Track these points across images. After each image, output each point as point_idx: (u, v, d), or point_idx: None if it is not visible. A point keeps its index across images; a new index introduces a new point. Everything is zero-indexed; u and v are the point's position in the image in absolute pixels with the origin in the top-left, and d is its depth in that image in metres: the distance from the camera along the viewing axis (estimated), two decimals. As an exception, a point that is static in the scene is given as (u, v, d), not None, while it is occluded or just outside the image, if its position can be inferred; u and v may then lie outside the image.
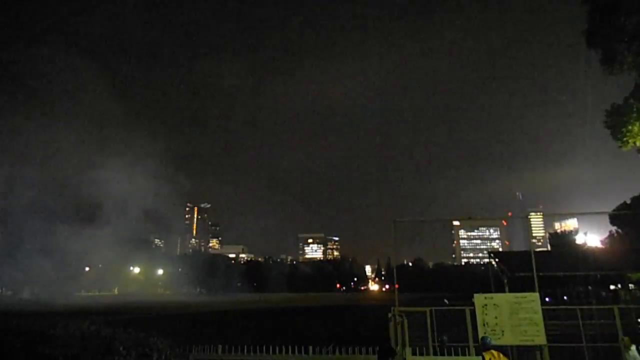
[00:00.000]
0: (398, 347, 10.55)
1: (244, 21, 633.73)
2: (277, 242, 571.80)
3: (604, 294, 35.51)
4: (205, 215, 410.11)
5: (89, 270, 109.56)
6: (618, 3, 11.89)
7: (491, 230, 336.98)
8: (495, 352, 8.53)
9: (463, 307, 10.76)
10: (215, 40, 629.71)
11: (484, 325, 9.69)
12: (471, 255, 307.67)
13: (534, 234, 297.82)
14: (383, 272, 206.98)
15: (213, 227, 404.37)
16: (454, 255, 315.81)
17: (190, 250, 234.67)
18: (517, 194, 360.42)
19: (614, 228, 59.49)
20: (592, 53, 13.43)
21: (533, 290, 9.95)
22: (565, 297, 28.92)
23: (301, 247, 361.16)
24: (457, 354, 10.36)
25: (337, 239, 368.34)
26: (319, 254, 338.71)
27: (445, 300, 49.32)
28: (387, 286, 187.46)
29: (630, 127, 12.76)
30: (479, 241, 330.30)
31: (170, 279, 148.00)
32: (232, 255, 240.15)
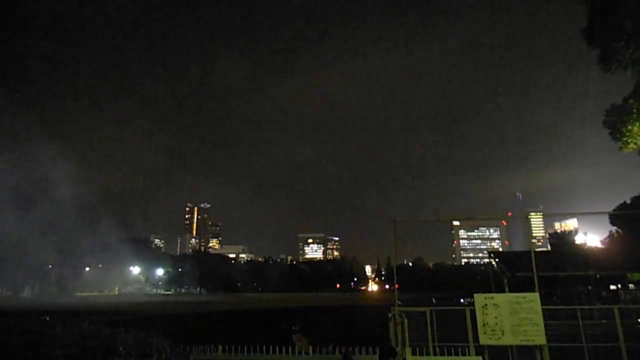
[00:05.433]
0: (398, 347, 10.56)
1: (244, 20, 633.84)
2: (277, 242, 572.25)
3: (604, 294, 35.49)
4: (205, 215, 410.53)
5: (88, 270, 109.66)
6: (618, 1, 11.87)
7: (491, 230, 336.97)
8: (299, 335, 12.38)
9: (463, 308, 10.77)
10: (215, 40, 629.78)
11: (484, 325, 9.69)
12: (471, 255, 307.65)
13: (534, 234, 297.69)
14: (383, 272, 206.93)
15: (213, 227, 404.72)
16: (454, 255, 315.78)
17: (190, 250, 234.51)
18: (517, 194, 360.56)
19: (614, 228, 59.55)
20: (592, 52, 13.44)
21: (533, 290, 9.95)
22: (554, 297, 28.82)
23: (301, 247, 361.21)
24: (457, 354, 10.37)
25: (337, 239, 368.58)
26: (319, 254, 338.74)
27: (399, 302, 49.67)
28: (387, 286, 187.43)
29: (630, 128, 12.71)
30: (479, 241, 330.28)
31: (170, 279, 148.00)
32: (232, 255, 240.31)
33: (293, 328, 13.20)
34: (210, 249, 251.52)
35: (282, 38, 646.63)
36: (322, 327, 31.99)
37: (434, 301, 61.64)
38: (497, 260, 21.58)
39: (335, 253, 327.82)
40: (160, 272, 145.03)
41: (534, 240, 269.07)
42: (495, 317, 9.64)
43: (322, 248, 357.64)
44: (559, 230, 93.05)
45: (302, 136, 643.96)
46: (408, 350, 9.99)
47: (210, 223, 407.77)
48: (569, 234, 78.68)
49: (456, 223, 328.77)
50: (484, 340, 9.68)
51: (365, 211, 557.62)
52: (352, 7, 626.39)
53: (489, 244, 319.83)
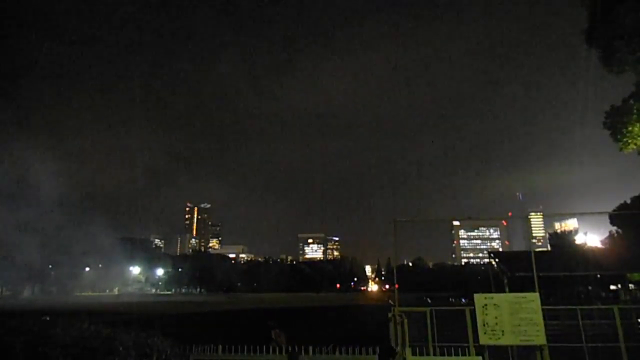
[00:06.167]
0: (398, 347, 10.55)
1: (244, 20, 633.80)
2: (277, 242, 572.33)
3: (604, 294, 35.45)
4: (205, 215, 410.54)
5: (88, 270, 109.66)
6: (618, 1, 11.85)
7: (491, 230, 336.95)
8: (276, 331, 12.76)
9: (463, 308, 10.77)
10: (214, 40, 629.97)
11: (484, 325, 9.69)
12: (471, 255, 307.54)
13: (534, 234, 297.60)
14: (383, 272, 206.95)
15: (213, 227, 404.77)
16: (454, 255, 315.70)
17: (190, 250, 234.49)
18: (517, 194, 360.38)
19: (614, 228, 59.48)
20: (592, 53, 13.43)
21: (533, 290, 9.94)
22: (551, 298, 28.76)
23: (301, 247, 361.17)
24: (457, 354, 10.36)
25: (337, 239, 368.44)
26: (319, 254, 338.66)
27: (391, 302, 49.50)
28: (387, 286, 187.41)
29: (630, 129, 12.70)
30: (479, 241, 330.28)
31: (170, 279, 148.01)
32: (232, 255, 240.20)
33: (271, 324, 13.42)
34: (210, 249, 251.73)
35: (282, 38, 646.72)
36: (321, 327, 32.01)
37: (429, 301, 61.60)
38: (497, 260, 21.59)
39: (335, 253, 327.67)
40: (160, 272, 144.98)
41: (534, 240, 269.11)
42: (495, 317, 9.64)
43: (322, 248, 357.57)
44: (559, 230, 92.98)
45: (303, 136, 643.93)
46: (408, 350, 9.98)
47: (210, 223, 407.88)
48: (569, 234, 78.59)
49: (456, 223, 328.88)
50: (484, 340, 9.68)
51: (365, 211, 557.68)
52: (352, 7, 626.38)
53: (489, 244, 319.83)
